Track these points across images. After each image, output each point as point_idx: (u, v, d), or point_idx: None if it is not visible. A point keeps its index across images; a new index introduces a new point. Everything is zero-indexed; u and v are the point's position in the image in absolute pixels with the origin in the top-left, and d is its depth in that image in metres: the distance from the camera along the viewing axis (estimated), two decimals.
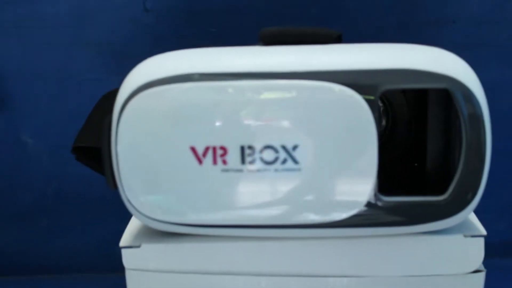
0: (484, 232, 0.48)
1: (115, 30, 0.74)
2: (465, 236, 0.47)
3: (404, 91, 0.51)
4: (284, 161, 0.44)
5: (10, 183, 0.79)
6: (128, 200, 0.46)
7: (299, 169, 0.44)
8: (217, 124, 0.43)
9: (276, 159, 0.44)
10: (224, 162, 0.44)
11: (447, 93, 0.44)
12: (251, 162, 0.44)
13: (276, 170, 0.44)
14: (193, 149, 0.44)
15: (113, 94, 0.47)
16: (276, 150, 0.43)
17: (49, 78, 0.76)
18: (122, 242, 0.49)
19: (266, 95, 0.43)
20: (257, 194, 0.45)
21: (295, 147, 0.43)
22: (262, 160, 0.44)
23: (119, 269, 0.50)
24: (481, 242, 0.47)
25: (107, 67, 0.75)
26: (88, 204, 0.80)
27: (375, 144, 0.43)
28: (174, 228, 0.47)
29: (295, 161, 0.43)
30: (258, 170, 0.44)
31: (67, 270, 0.83)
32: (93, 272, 0.83)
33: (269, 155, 0.43)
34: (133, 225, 0.52)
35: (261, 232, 0.47)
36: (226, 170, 0.44)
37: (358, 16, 0.74)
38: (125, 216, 0.52)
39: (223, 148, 0.44)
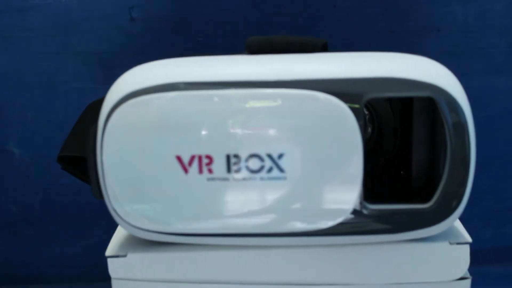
0: (469, 239, 0.48)
1: (102, 39, 0.74)
2: (451, 243, 0.47)
3: (389, 99, 0.51)
4: (270, 170, 0.44)
5: None
6: (114, 210, 0.46)
7: (284, 178, 0.44)
8: (203, 133, 0.43)
9: (261, 168, 0.44)
10: (210, 171, 0.44)
11: (431, 101, 0.44)
12: (237, 171, 0.44)
13: (262, 178, 0.44)
14: (179, 158, 0.44)
15: (98, 103, 0.47)
16: (261, 159, 0.43)
17: (35, 87, 0.76)
18: (108, 252, 0.49)
19: (252, 104, 0.43)
20: (243, 202, 0.45)
21: (280, 156, 0.43)
22: (247, 168, 0.44)
23: (106, 279, 0.49)
24: (466, 249, 0.48)
25: (93, 76, 0.75)
26: (75, 214, 0.80)
27: (360, 152, 0.43)
28: (160, 237, 0.47)
29: (280, 169, 0.43)
30: (244, 179, 0.44)
31: (53, 279, 0.83)
32: (79, 282, 0.82)
33: (254, 163, 0.44)
34: (119, 235, 0.52)
35: (247, 241, 0.47)
36: (212, 179, 0.44)
37: (345, 25, 0.74)
38: (111, 226, 0.51)
39: (208, 157, 0.44)
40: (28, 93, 0.76)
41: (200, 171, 0.44)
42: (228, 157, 0.43)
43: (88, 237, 0.81)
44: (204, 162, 0.44)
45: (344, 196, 0.44)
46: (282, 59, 0.46)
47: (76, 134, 0.53)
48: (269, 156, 0.43)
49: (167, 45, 0.74)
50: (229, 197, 0.45)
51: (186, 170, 0.44)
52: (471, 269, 0.48)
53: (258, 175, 0.44)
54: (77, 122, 0.54)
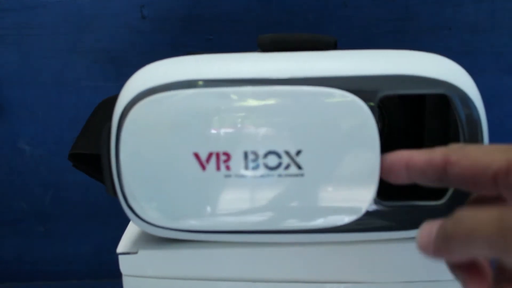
0: None
1: (113, 37, 0.74)
2: None
3: (401, 97, 0.51)
4: (287, 167, 0.44)
5: (7, 190, 0.79)
6: (130, 207, 0.46)
7: (302, 175, 0.44)
8: (220, 130, 0.43)
9: (279, 165, 0.44)
10: (228, 168, 0.44)
11: (444, 99, 0.44)
12: (255, 168, 0.44)
13: (279, 175, 0.44)
14: (197, 155, 0.44)
15: (110, 100, 0.46)
16: (279, 156, 0.43)
17: (46, 85, 0.76)
18: (120, 248, 0.49)
19: (269, 101, 0.43)
20: (260, 199, 0.45)
21: (298, 153, 0.43)
22: (265, 165, 0.44)
23: (116, 276, 0.49)
24: None
25: (104, 74, 0.76)
26: (85, 211, 0.80)
27: (377, 149, 0.43)
28: (175, 234, 0.47)
29: (298, 166, 0.44)
30: (262, 176, 0.44)
31: (64, 276, 0.83)
32: (90, 279, 0.82)
33: (272, 160, 0.43)
34: (130, 232, 0.52)
35: (261, 238, 0.47)
36: (229, 176, 0.44)
37: (355, 23, 0.75)
38: (121, 223, 0.52)
39: (226, 154, 0.44)
40: (39, 91, 0.76)
41: (218, 168, 0.44)
42: (245, 154, 0.43)
43: (98, 234, 0.81)
44: (222, 159, 0.44)
45: (361, 193, 0.44)
46: (298, 57, 0.46)
47: (88, 131, 0.52)
48: (287, 153, 0.43)
49: (178, 43, 0.74)
50: (246, 194, 0.44)
51: (203, 167, 0.44)
52: None
53: (275, 172, 0.44)
54: (89, 120, 0.54)
